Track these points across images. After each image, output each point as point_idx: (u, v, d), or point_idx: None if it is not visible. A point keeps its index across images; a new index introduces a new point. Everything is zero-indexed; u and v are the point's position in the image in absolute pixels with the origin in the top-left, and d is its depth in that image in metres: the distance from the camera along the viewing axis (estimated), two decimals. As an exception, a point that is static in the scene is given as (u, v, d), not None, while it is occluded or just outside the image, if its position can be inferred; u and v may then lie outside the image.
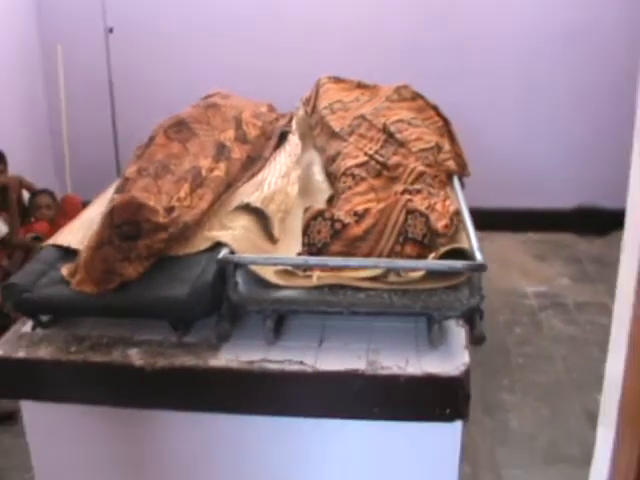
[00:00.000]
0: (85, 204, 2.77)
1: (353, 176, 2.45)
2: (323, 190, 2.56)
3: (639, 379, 1.20)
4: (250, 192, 2.33)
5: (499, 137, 4.81)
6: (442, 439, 1.90)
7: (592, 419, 2.43)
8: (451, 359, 1.85)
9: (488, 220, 4.55)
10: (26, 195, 4.21)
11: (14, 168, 4.11)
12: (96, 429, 2.05)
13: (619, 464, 1.27)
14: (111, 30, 4.64)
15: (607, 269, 4.15)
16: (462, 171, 2.80)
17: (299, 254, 2.04)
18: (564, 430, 3.02)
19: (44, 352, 1.94)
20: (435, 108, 2.96)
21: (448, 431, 1.87)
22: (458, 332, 1.96)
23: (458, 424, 1.87)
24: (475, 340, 1.90)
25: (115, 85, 4.76)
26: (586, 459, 1.39)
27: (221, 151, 2.49)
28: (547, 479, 2.73)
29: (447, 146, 2.69)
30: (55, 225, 3.86)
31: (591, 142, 4.72)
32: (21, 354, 1.94)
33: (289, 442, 1.97)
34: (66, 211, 4.14)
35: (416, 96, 2.97)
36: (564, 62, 4.64)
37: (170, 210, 2.11)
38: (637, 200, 1.18)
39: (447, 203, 2.23)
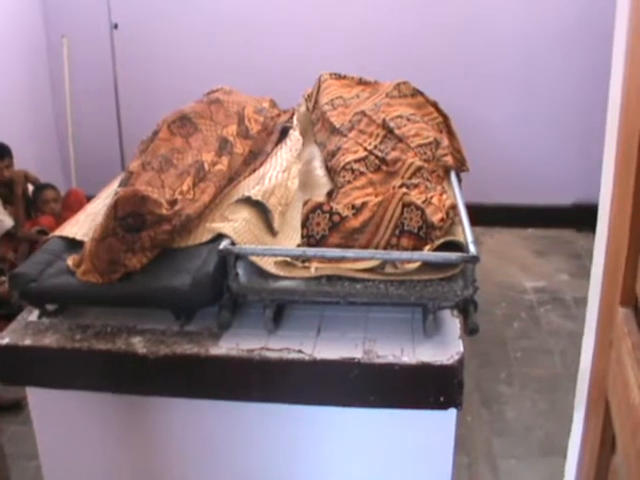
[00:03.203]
0: (90, 199, 2.82)
1: (352, 171, 2.49)
2: (323, 184, 2.61)
3: (602, 368, 1.29)
4: (251, 186, 2.37)
5: (500, 135, 4.84)
6: (437, 426, 1.95)
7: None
8: (445, 348, 1.90)
9: (489, 216, 4.64)
10: (31, 189, 4.26)
11: (20, 162, 4.16)
12: (99, 415, 2.10)
13: (587, 439, 1.37)
14: (116, 26, 4.68)
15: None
16: (460, 166, 2.84)
17: (298, 246, 2.09)
18: (561, 422, 3.03)
19: (50, 340, 1.99)
20: (435, 104, 2.99)
21: (443, 419, 1.92)
22: (453, 322, 2.00)
23: (452, 412, 1.91)
24: (469, 331, 1.94)
25: (120, 81, 4.80)
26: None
27: (224, 146, 2.54)
28: (543, 470, 2.77)
29: (445, 142, 2.73)
30: (60, 219, 3.91)
31: (588, 140, 4.75)
32: (27, 342, 1.99)
33: (287, 429, 2.02)
34: (71, 205, 4.19)
35: (416, 93, 3.01)
36: (564, 62, 4.67)
37: (173, 203, 2.16)
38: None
39: (443, 197, 2.28)
